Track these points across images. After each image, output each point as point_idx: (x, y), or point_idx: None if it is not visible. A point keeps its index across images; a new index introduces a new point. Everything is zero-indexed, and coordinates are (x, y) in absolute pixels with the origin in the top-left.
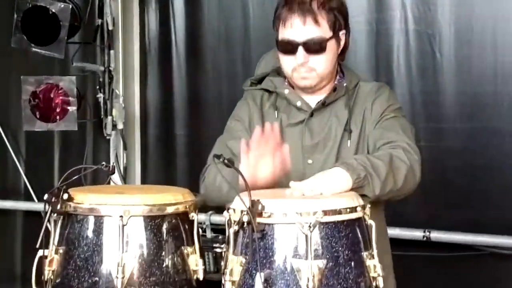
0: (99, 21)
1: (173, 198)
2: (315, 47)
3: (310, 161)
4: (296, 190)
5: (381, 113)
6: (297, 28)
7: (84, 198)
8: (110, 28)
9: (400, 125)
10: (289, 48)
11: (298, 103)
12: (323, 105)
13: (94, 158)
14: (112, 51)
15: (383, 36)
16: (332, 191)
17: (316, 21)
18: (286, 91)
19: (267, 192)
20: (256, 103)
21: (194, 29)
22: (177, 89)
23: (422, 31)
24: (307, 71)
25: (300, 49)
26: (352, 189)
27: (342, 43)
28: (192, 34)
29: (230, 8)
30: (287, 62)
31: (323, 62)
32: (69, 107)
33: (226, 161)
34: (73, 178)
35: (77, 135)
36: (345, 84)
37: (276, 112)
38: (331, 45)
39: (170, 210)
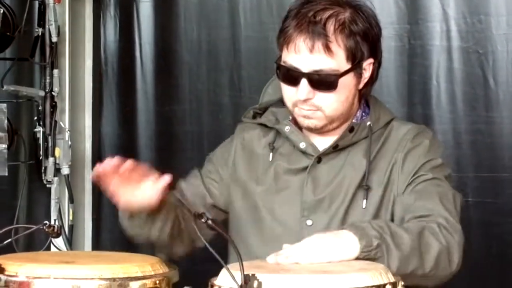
0: (40, 30)
1: (138, 269)
2: (322, 82)
3: (309, 222)
4: (271, 258)
5: (414, 172)
6: (302, 55)
7: (18, 269)
8: (54, 40)
9: (438, 193)
10: (290, 77)
11: (302, 145)
12: (335, 149)
13: (29, 213)
14: (56, 71)
15: (418, 55)
16: (324, 259)
17: (327, 49)
18: (287, 129)
19: (266, 263)
20: (245, 142)
21: (165, 42)
22: (142, 123)
23: (471, 49)
24: (311, 109)
25: (304, 82)
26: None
27: (367, 74)
28: (163, 48)
29: (214, 15)
30: (288, 94)
31: (332, 102)
32: None
33: (209, 221)
34: (4, 243)
35: (6, 183)
36: (368, 123)
37: (271, 154)
38: (346, 81)
39: (134, 286)
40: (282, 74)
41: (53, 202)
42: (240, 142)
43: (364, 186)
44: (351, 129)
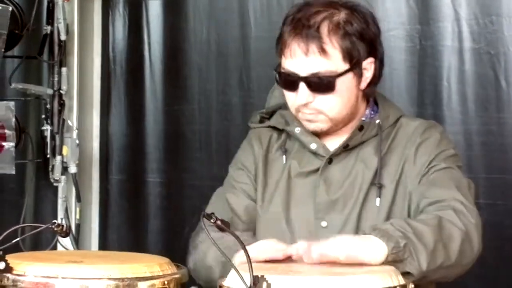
0: (48, 28)
1: (147, 269)
2: (320, 84)
3: (324, 224)
4: (299, 250)
5: (428, 163)
6: (298, 59)
7: (27, 269)
8: (63, 38)
9: (452, 179)
10: (290, 82)
11: (313, 146)
12: (346, 148)
13: (36, 212)
14: (64, 69)
15: (428, 56)
16: (355, 261)
17: (322, 51)
18: (297, 130)
19: (275, 265)
20: (262, 145)
21: (175, 42)
22: (151, 121)
23: (482, 50)
24: (313, 113)
25: (302, 85)
26: (386, 264)
27: (369, 74)
28: (172, 48)
29: (223, 15)
30: (289, 100)
31: (333, 104)
32: (4, 143)
33: (219, 222)
34: (12, 242)
35: (14, 181)
36: (377, 121)
37: (284, 157)
38: (345, 82)
39: (143, 286)
40: (282, 81)
41: (60, 201)
42: (259, 147)
43: (376, 184)
44: (360, 128)
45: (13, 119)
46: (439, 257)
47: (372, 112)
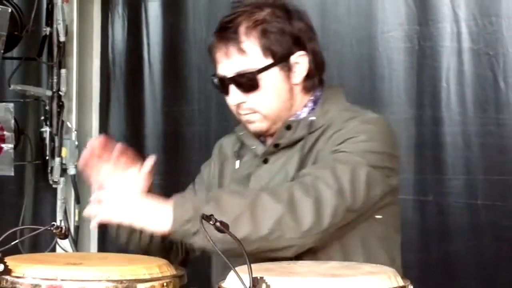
0: (47, 30)
1: (146, 271)
2: (245, 83)
3: None
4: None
5: (332, 151)
6: (223, 62)
7: (26, 271)
8: (62, 39)
9: (338, 161)
10: (222, 87)
11: (253, 147)
12: (277, 148)
13: (35, 214)
14: (63, 71)
15: (427, 57)
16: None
17: (240, 50)
18: (242, 133)
19: (274, 266)
20: (222, 150)
21: (174, 42)
22: (150, 123)
23: (481, 51)
24: (247, 112)
25: (232, 87)
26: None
27: (302, 68)
28: (171, 48)
29: (223, 14)
30: (228, 103)
31: (263, 101)
32: (3, 145)
33: (218, 223)
34: (11, 244)
35: (13, 183)
36: (310, 119)
37: (238, 161)
38: (270, 77)
39: None
40: (218, 86)
41: (59, 203)
42: (217, 155)
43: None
44: (288, 127)
45: (12, 121)
46: (243, 229)
47: (308, 110)
